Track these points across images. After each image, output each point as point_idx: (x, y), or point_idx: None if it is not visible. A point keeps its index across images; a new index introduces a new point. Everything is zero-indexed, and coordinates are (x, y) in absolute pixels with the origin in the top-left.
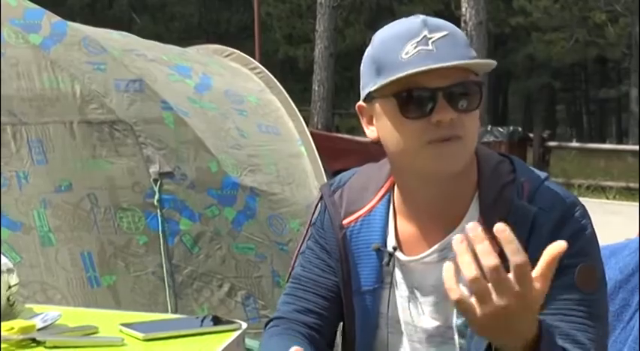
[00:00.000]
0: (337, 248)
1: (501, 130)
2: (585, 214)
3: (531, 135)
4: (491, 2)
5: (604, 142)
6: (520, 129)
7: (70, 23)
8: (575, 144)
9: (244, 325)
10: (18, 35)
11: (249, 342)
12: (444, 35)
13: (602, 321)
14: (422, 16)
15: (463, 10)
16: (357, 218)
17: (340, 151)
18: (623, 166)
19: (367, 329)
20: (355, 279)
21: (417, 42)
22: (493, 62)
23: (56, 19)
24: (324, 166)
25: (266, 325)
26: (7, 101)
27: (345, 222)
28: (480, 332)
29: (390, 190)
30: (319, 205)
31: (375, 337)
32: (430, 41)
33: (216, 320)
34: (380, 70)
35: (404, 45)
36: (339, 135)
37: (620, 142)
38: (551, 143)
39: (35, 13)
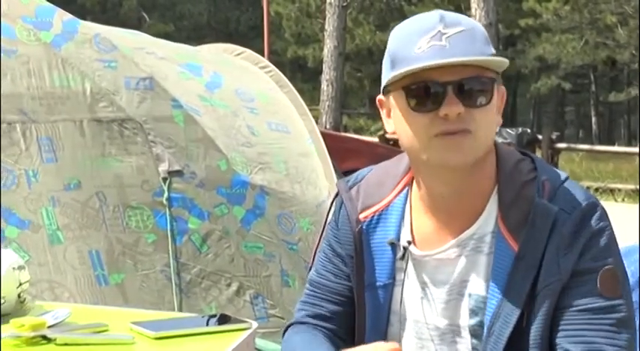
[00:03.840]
0: (352, 243)
1: (510, 131)
2: (605, 215)
3: (540, 136)
4: (501, 3)
5: (613, 144)
6: (529, 130)
7: (81, 21)
8: (584, 146)
9: (255, 324)
10: (30, 33)
11: (259, 341)
12: (460, 31)
13: (628, 325)
14: (441, 12)
15: (473, 11)
16: (374, 213)
17: (349, 151)
18: (632, 168)
19: (377, 325)
20: (369, 273)
21: (431, 37)
22: (505, 60)
23: (68, 16)
24: (333, 166)
25: (284, 332)
26: (17, 99)
27: (361, 216)
28: None
29: (409, 185)
30: (335, 202)
31: (385, 333)
32: (444, 36)
33: (227, 319)
34: (394, 63)
35: (418, 39)
36: (348, 135)
37: (629, 144)
38: (560, 145)
39: (47, 10)
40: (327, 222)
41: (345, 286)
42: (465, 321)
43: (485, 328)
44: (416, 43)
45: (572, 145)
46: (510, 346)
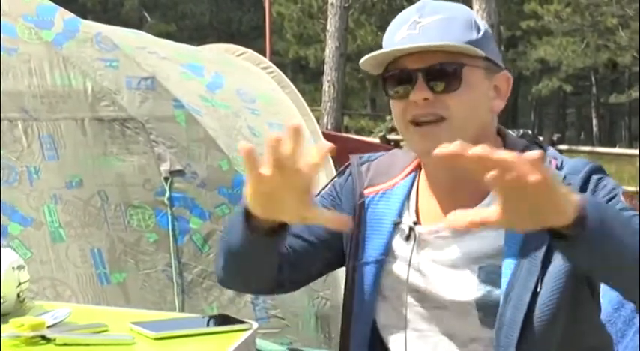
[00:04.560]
0: (353, 215)
1: (511, 132)
2: (608, 176)
3: (541, 138)
4: (503, 5)
5: (614, 146)
6: (530, 132)
7: (82, 20)
8: (585, 148)
9: (255, 324)
10: (31, 31)
11: (259, 342)
12: (436, 19)
13: None
14: (423, 2)
15: (474, 12)
16: (379, 191)
17: (350, 151)
18: (634, 170)
19: (367, 302)
20: (363, 249)
21: (408, 26)
22: (468, 47)
23: (69, 15)
24: (335, 166)
25: None
26: (18, 97)
27: (366, 192)
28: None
29: (417, 170)
30: (345, 171)
31: (373, 310)
32: (418, 25)
33: (227, 320)
34: None
35: (398, 30)
36: (349, 135)
37: (630, 146)
38: (561, 147)
39: (48, 9)
40: (333, 182)
41: (326, 230)
42: (472, 295)
43: (502, 296)
44: (396, 34)
45: (573, 147)
46: (529, 311)
